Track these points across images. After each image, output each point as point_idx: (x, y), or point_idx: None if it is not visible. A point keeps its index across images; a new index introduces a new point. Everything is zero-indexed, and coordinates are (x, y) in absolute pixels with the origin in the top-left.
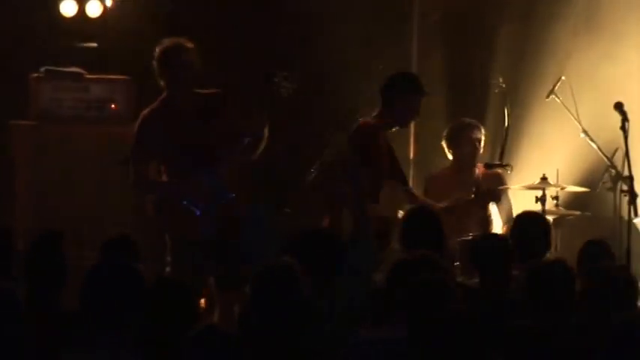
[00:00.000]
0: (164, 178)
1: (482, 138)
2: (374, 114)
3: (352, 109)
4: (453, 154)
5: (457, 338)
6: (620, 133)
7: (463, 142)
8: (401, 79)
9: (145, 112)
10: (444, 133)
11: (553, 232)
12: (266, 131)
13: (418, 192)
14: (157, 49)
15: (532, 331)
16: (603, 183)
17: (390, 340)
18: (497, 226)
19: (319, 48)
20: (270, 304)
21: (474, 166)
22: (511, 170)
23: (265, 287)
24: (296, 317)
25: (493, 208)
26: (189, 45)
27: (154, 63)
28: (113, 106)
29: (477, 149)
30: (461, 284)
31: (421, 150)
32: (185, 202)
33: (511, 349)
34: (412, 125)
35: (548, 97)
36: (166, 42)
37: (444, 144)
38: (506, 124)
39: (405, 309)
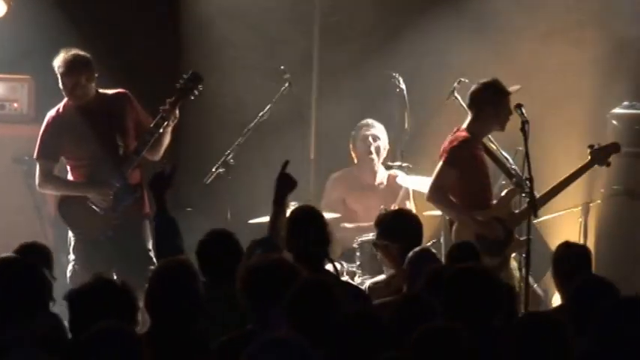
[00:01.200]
0: (70, 176)
1: (381, 135)
2: (464, 126)
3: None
4: (355, 156)
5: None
6: (520, 134)
7: (359, 140)
8: (486, 88)
9: (52, 111)
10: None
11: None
12: (169, 131)
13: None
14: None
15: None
16: (503, 184)
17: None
18: None
19: (220, 48)
20: (166, 301)
21: (371, 162)
22: (409, 170)
23: (161, 284)
24: (191, 314)
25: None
26: (71, 56)
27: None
28: (16, 105)
29: (370, 145)
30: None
31: (321, 150)
32: (89, 201)
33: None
34: (313, 126)
35: (448, 98)
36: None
37: (350, 145)
38: (406, 125)
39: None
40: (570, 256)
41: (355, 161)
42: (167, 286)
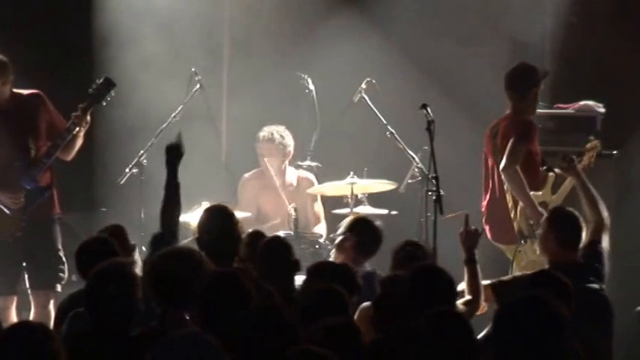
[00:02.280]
0: None
1: (276, 145)
2: (508, 111)
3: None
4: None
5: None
6: (426, 133)
7: (260, 148)
8: (529, 72)
9: None
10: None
11: None
12: (82, 135)
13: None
14: None
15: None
16: (409, 182)
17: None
18: (323, 226)
19: (130, 56)
20: (106, 301)
21: (278, 168)
22: (315, 170)
23: (99, 286)
24: (128, 316)
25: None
26: None
27: None
28: None
29: (266, 155)
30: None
31: (233, 151)
32: None
33: None
34: (224, 127)
35: (356, 97)
36: None
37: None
38: (317, 126)
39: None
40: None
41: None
42: (105, 287)
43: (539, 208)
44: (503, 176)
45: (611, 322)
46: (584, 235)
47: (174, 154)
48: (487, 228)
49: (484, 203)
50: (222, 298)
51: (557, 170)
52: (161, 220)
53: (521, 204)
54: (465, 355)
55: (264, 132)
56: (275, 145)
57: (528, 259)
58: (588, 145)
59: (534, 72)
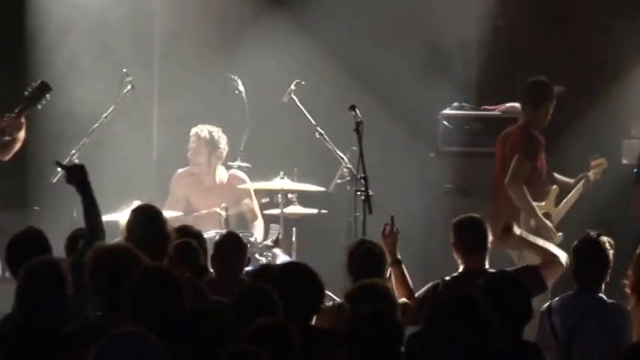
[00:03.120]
0: None
1: (205, 143)
2: (520, 121)
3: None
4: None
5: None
6: (355, 134)
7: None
8: (545, 87)
9: None
10: None
11: (293, 230)
12: (22, 134)
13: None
14: None
15: None
16: (338, 182)
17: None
18: (260, 222)
19: (61, 57)
20: (34, 300)
21: (208, 167)
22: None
23: (29, 283)
24: (58, 314)
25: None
26: None
27: None
28: None
29: (192, 154)
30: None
31: (163, 152)
32: None
33: None
34: (155, 127)
35: (285, 98)
36: None
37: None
38: (247, 126)
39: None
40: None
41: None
42: (35, 285)
43: (544, 220)
44: (508, 191)
45: None
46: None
47: (75, 176)
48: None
49: (491, 205)
50: (156, 296)
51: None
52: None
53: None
54: None
55: (197, 128)
56: (202, 142)
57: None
58: (594, 163)
59: (550, 88)
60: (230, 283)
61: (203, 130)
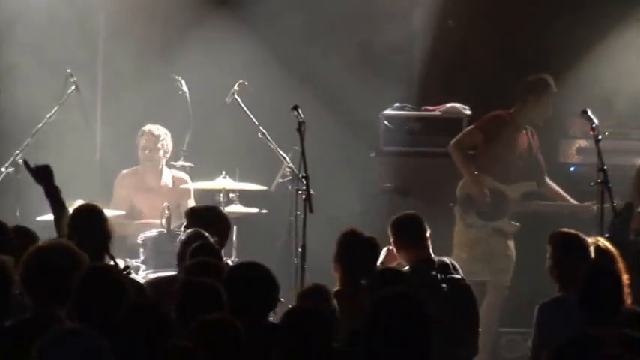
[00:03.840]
0: None
1: (159, 141)
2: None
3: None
4: (141, 156)
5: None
6: (297, 134)
7: (140, 147)
8: (534, 82)
9: None
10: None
11: (234, 229)
12: None
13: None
14: None
15: None
16: (279, 182)
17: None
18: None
19: (4, 58)
20: None
21: (155, 166)
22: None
23: None
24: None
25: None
26: None
27: None
28: None
29: (147, 155)
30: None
31: (107, 152)
32: None
33: None
34: (98, 127)
35: (229, 99)
36: None
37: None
38: (190, 127)
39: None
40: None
41: (141, 162)
42: None
43: (482, 190)
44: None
45: (475, 306)
46: None
47: (42, 175)
48: None
49: None
50: (98, 293)
51: None
52: (58, 231)
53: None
54: None
55: (149, 126)
56: (157, 140)
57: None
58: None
59: (539, 84)
60: None
61: (157, 129)
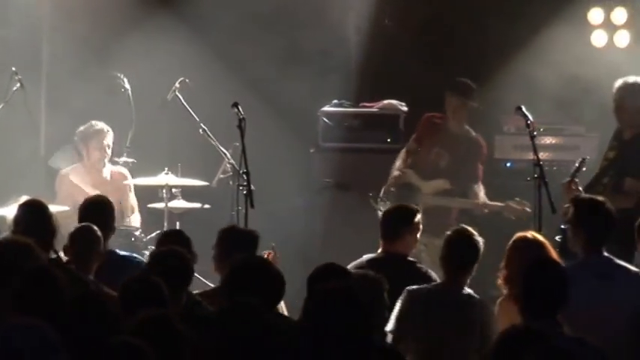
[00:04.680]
0: None
1: (111, 142)
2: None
3: None
4: (86, 154)
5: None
6: (237, 130)
7: (93, 145)
8: (456, 85)
9: None
10: (78, 134)
11: (177, 224)
12: None
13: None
14: None
15: None
16: (221, 177)
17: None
18: (137, 216)
19: None
20: None
21: (99, 162)
22: (130, 165)
23: None
24: None
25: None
26: None
27: None
28: None
29: (106, 154)
30: None
31: (51, 149)
32: None
33: None
34: (43, 124)
35: (170, 96)
36: None
37: (79, 143)
38: (133, 123)
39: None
40: None
41: (85, 159)
42: None
43: (398, 181)
44: None
45: None
46: None
47: None
48: None
49: None
50: (35, 293)
51: None
52: None
53: None
54: None
55: (101, 124)
56: (108, 137)
57: None
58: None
59: (460, 87)
60: None
61: (103, 125)
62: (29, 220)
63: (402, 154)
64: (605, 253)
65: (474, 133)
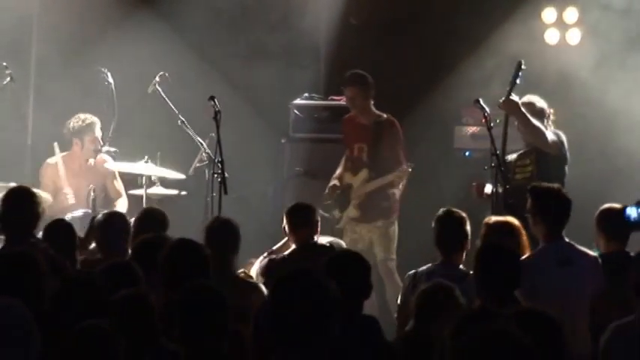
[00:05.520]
0: None
1: (100, 134)
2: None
3: None
4: (80, 147)
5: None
6: (213, 122)
7: (88, 138)
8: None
9: None
10: (70, 128)
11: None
12: None
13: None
14: None
15: None
16: (197, 166)
17: None
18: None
19: None
20: None
21: (89, 152)
22: (114, 154)
23: None
24: None
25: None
26: None
27: None
28: None
29: (99, 144)
30: None
31: (39, 138)
32: None
33: None
34: (30, 115)
35: (150, 89)
36: None
37: (72, 136)
38: (114, 114)
39: None
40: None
41: (79, 151)
42: None
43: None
44: None
45: None
46: None
47: None
48: None
49: None
50: (13, 282)
51: None
52: None
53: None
54: None
55: (89, 118)
56: (98, 129)
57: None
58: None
59: (345, 80)
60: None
61: (93, 117)
62: (13, 206)
63: (342, 160)
64: (566, 239)
65: (384, 116)
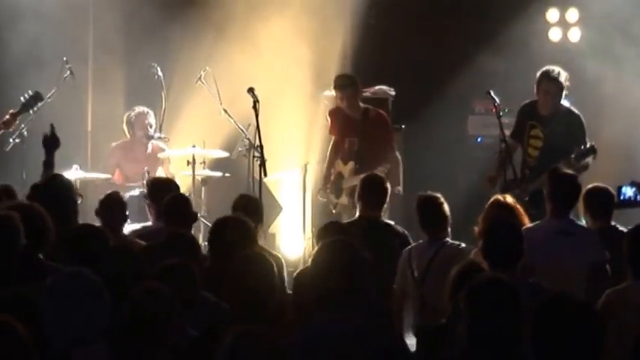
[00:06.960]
0: None
1: (153, 121)
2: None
3: None
4: (132, 134)
5: None
6: (252, 111)
7: (138, 126)
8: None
9: None
10: (125, 118)
11: (202, 189)
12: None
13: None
14: None
15: None
16: (239, 150)
17: None
18: None
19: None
20: None
21: (148, 141)
22: (168, 141)
23: None
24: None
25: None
26: None
27: None
28: None
29: (148, 131)
30: None
31: (97, 124)
32: None
33: None
34: (90, 104)
35: (196, 83)
36: None
37: (127, 125)
38: (164, 105)
39: None
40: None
41: (129, 136)
42: None
43: (325, 171)
44: None
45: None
46: None
47: (50, 143)
48: None
49: None
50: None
51: None
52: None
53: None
54: None
55: (140, 108)
56: (150, 117)
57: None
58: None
59: (334, 83)
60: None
61: (145, 108)
62: (56, 193)
63: (329, 147)
64: (571, 217)
65: (371, 109)
